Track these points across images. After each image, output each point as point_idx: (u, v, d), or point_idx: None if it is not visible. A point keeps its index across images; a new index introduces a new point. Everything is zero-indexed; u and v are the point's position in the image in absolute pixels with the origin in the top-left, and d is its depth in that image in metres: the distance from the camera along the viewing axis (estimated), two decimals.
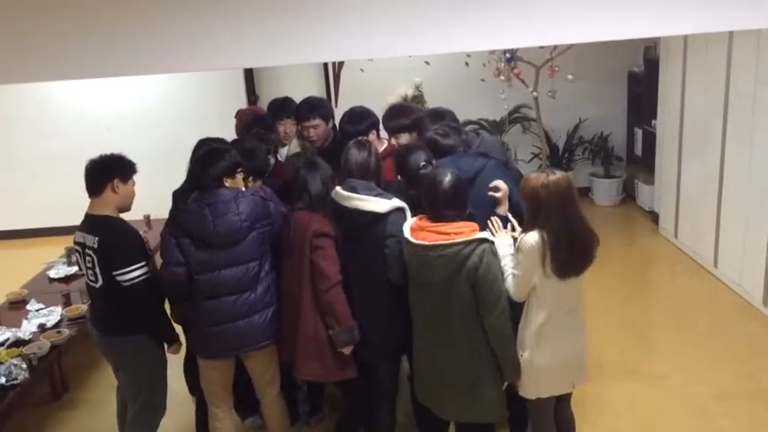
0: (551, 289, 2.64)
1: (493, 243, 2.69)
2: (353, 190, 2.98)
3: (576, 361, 2.80)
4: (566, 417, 2.98)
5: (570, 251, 2.57)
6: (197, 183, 3.03)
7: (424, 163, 3.06)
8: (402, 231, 2.88)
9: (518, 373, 2.77)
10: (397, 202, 2.95)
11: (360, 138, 3.43)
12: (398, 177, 3.18)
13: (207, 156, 3.05)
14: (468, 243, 2.62)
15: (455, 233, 2.64)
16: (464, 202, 2.75)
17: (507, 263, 2.71)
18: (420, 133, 3.45)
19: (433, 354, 2.81)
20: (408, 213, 2.97)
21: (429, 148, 3.18)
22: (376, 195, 2.96)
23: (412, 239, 2.72)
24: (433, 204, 2.74)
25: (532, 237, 2.59)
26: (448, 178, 2.71)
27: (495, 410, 2.82)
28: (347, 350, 3.02)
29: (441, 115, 3.54)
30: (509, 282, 2.69)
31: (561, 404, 2.93)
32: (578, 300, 2.74)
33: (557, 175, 2.59)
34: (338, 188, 3.03)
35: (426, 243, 2.67)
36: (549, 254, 2.55)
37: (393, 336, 3.04)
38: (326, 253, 2.96)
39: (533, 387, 2.77)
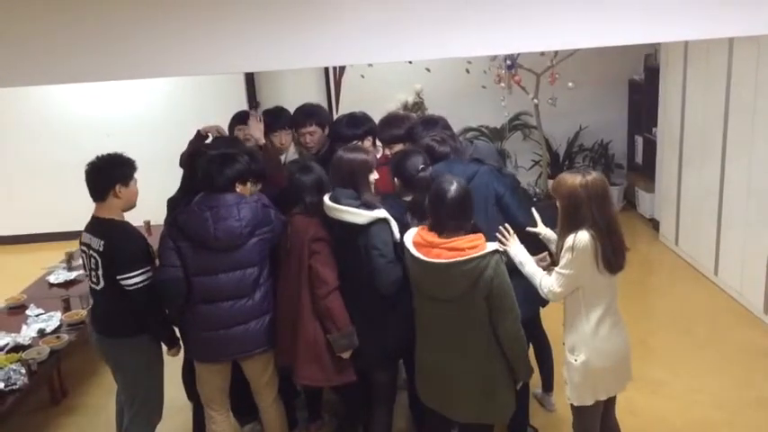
0: (603, 286, 2.70)
1: (502, 252, 2.67)
2: (336, 200, 2.96)
3: (627, 358, 2.84)
4: (612, 424, 2.98)
5: (613, 246, 2.65)
6: (208, 184, 3.00)
7: (422, 166, 3.05)
8: (386, 243, 2.86)
9: (531, 372, 2.85)
10: (378, 213, 2.89)
11: (352, 143, 3.42)
12: (395, 181, 3.17)
13: (223, 158, 3.04)
14: (483, 257, 2.59)
15: (469, 248, 2.59)
16: (471, 211, 2.71)
17: (532, 267, 2.80)
18: (413, 142, 3.46)
19: (443, 363, 2.78)
20: (393, 223, 2.92)
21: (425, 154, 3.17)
22: (358, 206, 2.91)
23: (423, 258, 2.63)
24: (440, 216, 2.67)
25: (584, 235, 2.62)
26: (454, 188, 2.64)
27: (509, 410, 2.87)
28: (346, 355, 3.01)
29: (433, 122, 3.54)
30: (551, 281, 2.71)
31: (608, 410, 2.92)
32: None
33: (593, 174, 2.67)
34: (325, 198, 3.01)
35: (443, 261, 2.59)
36: (601, 250, 2.62)
37: (386, 344, 3.03)
38: (324, 258, 2.96)
39: (590, 391, 2.76)
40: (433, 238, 2.65)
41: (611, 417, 2.97)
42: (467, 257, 2.57)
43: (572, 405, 2.84)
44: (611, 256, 2.64)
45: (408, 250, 2.71)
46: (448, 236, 2.63)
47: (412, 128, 3.55)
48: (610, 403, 2.91)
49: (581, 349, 2.73)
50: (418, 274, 2.72)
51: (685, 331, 4.73)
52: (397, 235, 2.90)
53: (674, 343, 4.58)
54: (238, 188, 3.04)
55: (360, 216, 2.89)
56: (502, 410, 2.85)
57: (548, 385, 3.86)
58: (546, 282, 2.74)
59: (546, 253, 3.23)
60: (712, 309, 5.06)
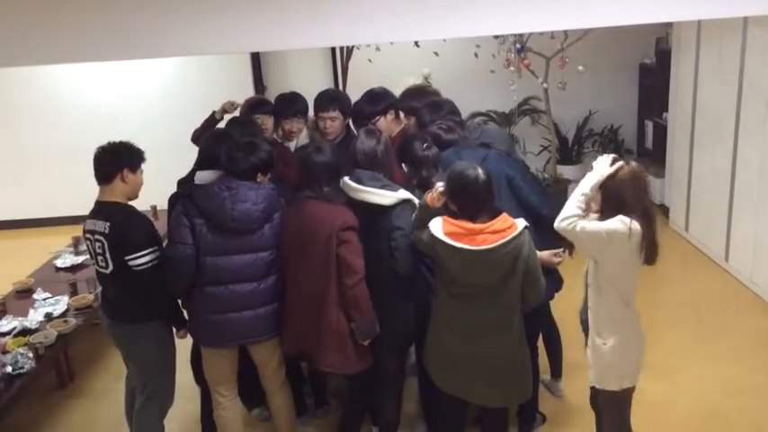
0: (635, 275, 2.72)
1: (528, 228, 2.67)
2: (359, 182, 2.95)
3: (644, 349, 2.82)
4: None
5: (650, 238, 2.63)
6: (232, 168, 2.98)
7: (426, 144, 3.08)
8: (409, 224, 2.85)
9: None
10: (403, 194, 2.90)
11: (371, 126, 3.40)
12: (402, 166, 3.16)
13: (248, 145, 3.03)
14: (520, 234, 2.62)
15: (507, 228, 2.61)
16: (494, 192, 2.73)
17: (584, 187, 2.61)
18: (420, 127, 3.44)
19: (473, 350, 2.75)
20: (417, 204, 2.93)
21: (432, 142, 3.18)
22: (381, 187, 2.92)
23: (470, 247, 2.58)
24: (474, 203, 2.65)
25: (636, 225, 2.56)
26: (480, 173, 2.65)
27: (530, 392, 2.90)
28: (367, 341, 2.99)
29: (439, 106, 3.51)
30: (579, 219, 2.56)
31: None
32: None
33: (632, 163, 2.66)
34: (346, 179, 2.99)
35: (490, 246, 2.58)
36: (646, 240, 2.59)
37: (399, 331, 3.02)
38: (353, 247, 2.89)
39: (616, 375, 2.75)
40: (471, 225, 2.62)
41: None
42: (509, 237, 2.59)
43: (603, 392, 2.81)
44: (650, 248, 2.63)
45: (445, 243, 2.63)
46: (483, 220, 2.63)
47: (418, 110, 3.52)
48: None
49: (610, 332, 2.71)
50: (458, 266, 2.65)
51: (695, 318, 4.70)
52: None
53: (683, 329, 4.54)
54: (259, 178, 3.04)
55: (386, 197, 2.89)
56: (526, 392, 2.89)
57: (556, 372, 3.84)
58: (570, 208, 2.58)
59: (561, 249, 3.21)
60: (722, 295, 5.03)
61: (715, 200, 5.43)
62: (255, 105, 3.91)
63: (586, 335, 2.86)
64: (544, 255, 3.16)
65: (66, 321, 3.95)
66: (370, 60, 6.46)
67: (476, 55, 6.42)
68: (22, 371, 3.44)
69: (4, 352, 3.54)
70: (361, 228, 2.94)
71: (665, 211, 6.51)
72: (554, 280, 3.31)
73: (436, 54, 6.58)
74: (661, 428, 3.54)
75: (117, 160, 3.02)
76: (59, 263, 4.86)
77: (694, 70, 5.69)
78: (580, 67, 5.82)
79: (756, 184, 4.83)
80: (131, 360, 3.23)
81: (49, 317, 4.02)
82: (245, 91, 6.79)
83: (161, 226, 3.97)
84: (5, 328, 3.86)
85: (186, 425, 3.71)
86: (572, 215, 2.57)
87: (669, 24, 6.20)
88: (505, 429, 3.06)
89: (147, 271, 2.97)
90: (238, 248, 2.96)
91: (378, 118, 3.64)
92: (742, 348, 4.26)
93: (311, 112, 3.90)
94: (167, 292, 3.08)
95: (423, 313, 2.91)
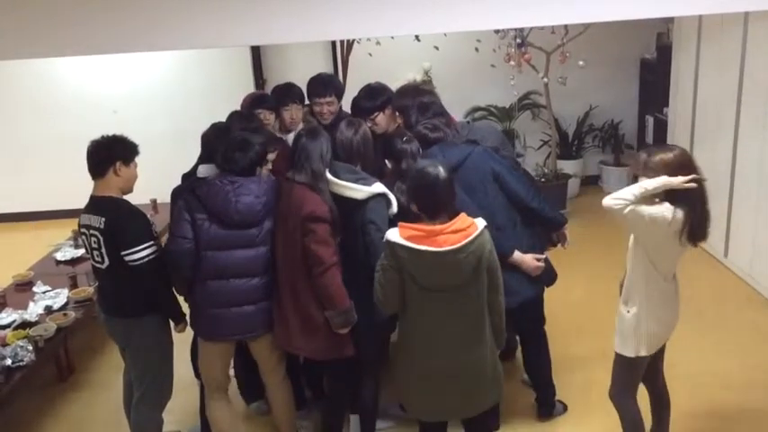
0: (677, 254, 2.88)
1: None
2: (335, 174, 2.96)
3: (674, 324, 3.08)
4: (660, 389, 3.25)
5: (700, 218, 2.83)
6: (231, 167, 2.99)
7: (406, 138, 3.12)
8: (383, 219, 2.85)
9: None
10: (377, 188, 2.89)
11: (353, 118, 3.39)
12: (386, 163, 3.18)
13: (242, 143, 3.02)
14: (482, 233, 2.58)
15: (468, 226, 2.56)
16: (455, 191, 2.67)
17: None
18: (408, 127, 3.45)
19: (456, 362, 2.68)
20: (393, 198, 2.93)
21: (418, 142, 3.20)
22: (356, 180, 2.92)
23: (432, 249, 2.49)
24: (435, 201, 2.57)
25: (680, 213, 2.70)
26: (441, 170, 2.57)
27: (502, 386, 2.89)
28: (344, 331, 2.97)
29: (426, 107, 3.52)
30: (629, 198, 2.63)
31: (655, 375, 3.16)
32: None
33: (678, 149, 2.79)
34: (326, 172, 2.98)
35: (454, 247, 2.50)
36: (689, 226, 2.75)
37: (376, 320, 2.99)
38: (318, 237, 2.88)
39: (634, 344, 2.91)
40: (429, 227, 2.54)
41: (660, 381, 3.16)
42: (474, 236, 2.54)
43: (618, 355, 2.95)
44: (697, 228, 2.74)
45: (406, 247, 2.52)
46: (443, 221, 2.56)
47: (404, 108, 3.52)
48: (657, 367, 3.10)
49: (634, 302, 2.86)
50: (423, 269, 2.56)
51: (694, 313, 4.69)
52: (395, 210, 2.94)
53: (682, 324, 4.50)
54: (258, 170, 3.05)
55: (358, 191, 2.89)
56: (500, 391, 2.87)
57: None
58: (626, 192, 2.64)
59: (544, 256, 3.25)
60: (721, 291, 5.03)
61: (715, 195, 5.36)
62: (257, 100, 3.91)
63: None
64: (526, 258, 3.18)
65: (65, 314, 3.96)
66: (370, 54, 6.45)
67: (476, 49, 6.40)
68: (21, 363, 3.45)
69: (4, 345, 3.55)
70: (342, 221, 2.94)
71: None
72: (546, 273, 3.33)
73: (436, 48, 6.56)
74: None
75: (109, 154, 3.01)
76: (59, 256, 4.87)
77: (695, 65, 5.68)
78: (581, 62, 5.82)
79: (756, 180, 4.83)
80: (128, 354, 3.24)
81: (48, 310, 4.03)
82: (245, 84, 6.79)
83: (162, 219, 3.98)
84: (5, 321, 3.87)
85: (185, 418, 3.72)
86: (624, 198, 2.62)
87: (670, 19, 6.19)
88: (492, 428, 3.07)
89: (143, 266, 2.97)
90: (240, 243, 2.97)
91: (377, 113, 3.64)
92: (740, 343, 4.27)
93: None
94: (167, 286, 3.08)
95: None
